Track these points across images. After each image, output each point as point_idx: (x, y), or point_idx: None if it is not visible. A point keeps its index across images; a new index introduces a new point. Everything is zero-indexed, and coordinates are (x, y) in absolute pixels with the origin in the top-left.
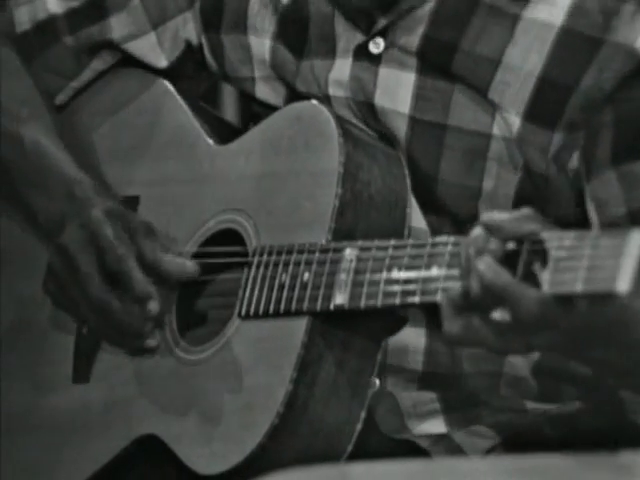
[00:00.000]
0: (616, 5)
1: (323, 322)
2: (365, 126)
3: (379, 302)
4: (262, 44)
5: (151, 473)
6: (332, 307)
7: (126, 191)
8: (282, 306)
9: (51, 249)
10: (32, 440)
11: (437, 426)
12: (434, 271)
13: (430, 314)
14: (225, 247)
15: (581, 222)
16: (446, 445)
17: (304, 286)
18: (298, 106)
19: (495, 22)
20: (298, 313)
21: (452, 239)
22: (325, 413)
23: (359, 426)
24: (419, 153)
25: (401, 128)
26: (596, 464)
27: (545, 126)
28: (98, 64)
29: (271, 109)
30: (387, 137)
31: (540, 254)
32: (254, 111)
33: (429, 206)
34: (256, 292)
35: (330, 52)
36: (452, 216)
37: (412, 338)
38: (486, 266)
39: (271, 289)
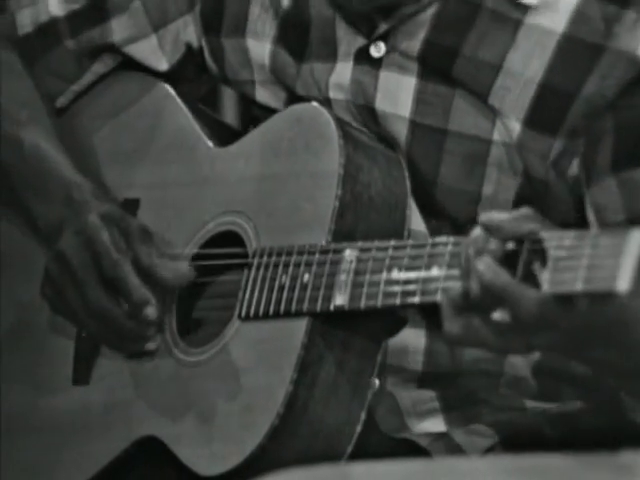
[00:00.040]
0: (618, 12)
1: (323, 323)
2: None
3: (379, 303)
4: (262, 48)
5: (151, 474)
6: (332, 308)
7: (126, 194)
8: (282, 307)
9: (49, 254)
10: (32, 441)
11: (437, 425)
12: (434, 271)
13: (430, 314)
14: (225, 249)
15: (580, 228)
16: (446, 444)
17: (304, 287)
18: (298, 108)
19: (497, 27)
20: (298, 314)
21: (452, 239)
22: (325, 414)
23: (359, 427)
24: (419, 157)
25: (401, 132)
26: (596, 464)
27: (545, 132)
28: (99, 67)
29: (271, 112)
30: (387, 140)
31: (540, 254)
32: (254, 114)
33: (429, 210)
34: (256, 293)
35: (331, 56)
36: (451, 220)
37: (412, 338)
38: (486, 266)
39: (271, 290)
